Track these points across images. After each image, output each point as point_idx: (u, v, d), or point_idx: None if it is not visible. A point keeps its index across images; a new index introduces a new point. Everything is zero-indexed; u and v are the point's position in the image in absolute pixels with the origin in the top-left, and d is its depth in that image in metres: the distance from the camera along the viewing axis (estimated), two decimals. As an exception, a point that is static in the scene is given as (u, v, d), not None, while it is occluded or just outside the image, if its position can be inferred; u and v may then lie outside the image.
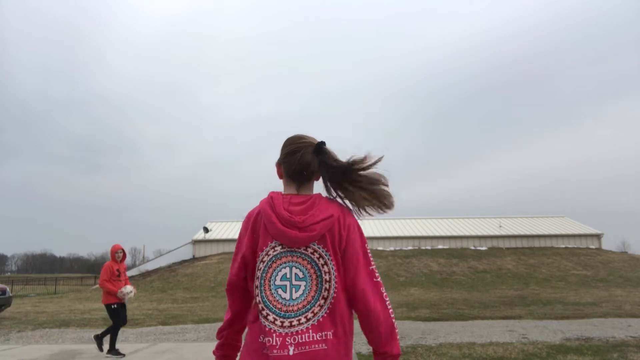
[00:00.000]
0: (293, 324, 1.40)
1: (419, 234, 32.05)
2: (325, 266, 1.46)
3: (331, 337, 1.42)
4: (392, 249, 30.36)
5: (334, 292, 1.45)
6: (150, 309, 15.33)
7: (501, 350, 6.60)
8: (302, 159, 1.54)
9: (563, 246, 30.95)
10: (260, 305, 1.45)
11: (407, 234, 32.05)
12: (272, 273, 1.46)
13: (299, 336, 1.39)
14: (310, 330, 1.40)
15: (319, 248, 1.47)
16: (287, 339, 1.38)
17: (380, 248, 30.60)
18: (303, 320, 1.41)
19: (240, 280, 1.57)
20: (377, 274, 1.51)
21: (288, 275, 1.45)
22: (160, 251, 60.38)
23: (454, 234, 32.14)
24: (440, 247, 30.77)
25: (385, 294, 1.50)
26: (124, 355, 6.89)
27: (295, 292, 1.44)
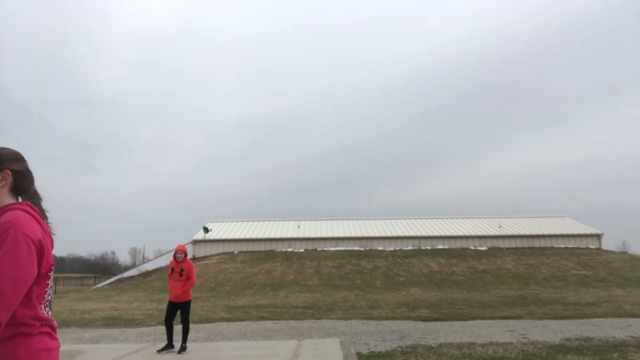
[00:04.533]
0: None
1: (419, 234, 32.07)
2: None
3: None
4: (392, 249, 30.37)
5: None
6: (150, 309, 15.33)
7: (501, 350, 6.60)
8: (32, 177, 1.70)
9: (563, 246, 30.97)
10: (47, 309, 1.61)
11: (407, 234, 32.08)
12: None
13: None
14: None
15: None
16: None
17: (380, 248, 30.61)
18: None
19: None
20: None
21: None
22: (160, 251, 60.20)
23: (454, 234, 32.15)
24: (440, 247, 30.78)
25: None
26: (172, 347, 7.35)
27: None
